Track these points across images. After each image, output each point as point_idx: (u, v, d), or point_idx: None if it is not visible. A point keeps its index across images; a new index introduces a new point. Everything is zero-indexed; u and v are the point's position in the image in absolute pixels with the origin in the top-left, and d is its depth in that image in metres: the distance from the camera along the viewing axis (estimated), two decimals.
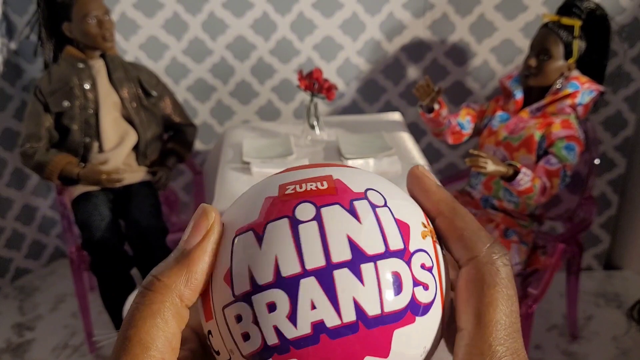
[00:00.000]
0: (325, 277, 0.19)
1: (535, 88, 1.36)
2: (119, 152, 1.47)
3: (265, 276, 0.20)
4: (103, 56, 1.47)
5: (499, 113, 1.41)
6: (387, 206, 0.21)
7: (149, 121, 1.52)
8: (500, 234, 1.35)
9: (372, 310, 0.19)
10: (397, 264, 0.20)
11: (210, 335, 0.22)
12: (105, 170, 1.43)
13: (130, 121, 1.48)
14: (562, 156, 1.27)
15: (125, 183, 1.49)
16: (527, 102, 1.38)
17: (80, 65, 1.43)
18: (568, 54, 1.31)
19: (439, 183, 0.24)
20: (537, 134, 1.31)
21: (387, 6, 1.71)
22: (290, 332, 0.19)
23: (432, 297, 0.21)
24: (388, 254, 0.20)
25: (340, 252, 0.20)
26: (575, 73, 1.34)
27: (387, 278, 0.20)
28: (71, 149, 1.45)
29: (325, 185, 0.22)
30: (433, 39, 1.75)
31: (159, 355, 0.20)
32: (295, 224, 0.20)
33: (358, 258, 0.20)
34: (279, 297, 0.20)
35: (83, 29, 1.39)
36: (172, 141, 1.61)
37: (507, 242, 1.33)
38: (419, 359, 0.21)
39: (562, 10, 1.34)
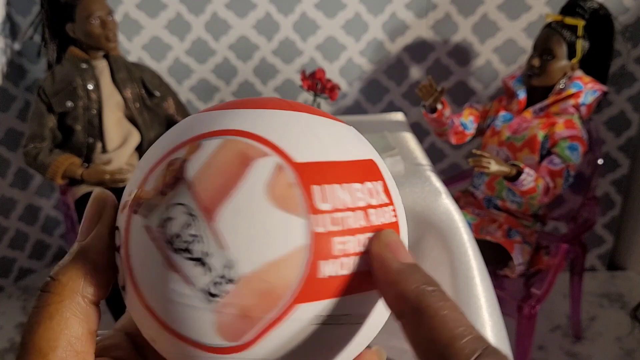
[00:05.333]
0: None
1: (539, 88, 1.36)
2: (122, 152, 1.48)
3: None
4: (106, 57, 1.47)
5: (502, 113, 1.41)
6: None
7: (152, 121, 1.52)
8: (503, 234, 1.34)
9: None
10: None
11: None
12: (108, 171, 1.43)
13: (133, 121, 1.49)
14: (565, 156, 1.26)
15: (128, 183, 1.49)
16: (530, 102, 1.38)
17: (84, 66, 1.44)
18: (571, 54, 1.31)
19: (408, 258, 0.18)
20: (541, 134, 1.31)
21: (390, 6, 1.71)
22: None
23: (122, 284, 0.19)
24: None
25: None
26: (579, 73, 1.33)
27: None
28: (75, 149, 1.45)
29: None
30: (436, 39, 1.74)
31: None
32: None
33: None
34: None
35: (86, 29, 1.39)
36: None
37: (510, 243, 1.33)
38: None
39: (566, 10, 1.34)
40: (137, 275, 0.18)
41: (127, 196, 0.19)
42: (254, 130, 0.18)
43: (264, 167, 0.18)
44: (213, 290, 0.17)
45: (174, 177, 0.18)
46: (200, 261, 0.17)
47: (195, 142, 0.18)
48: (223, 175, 0.18)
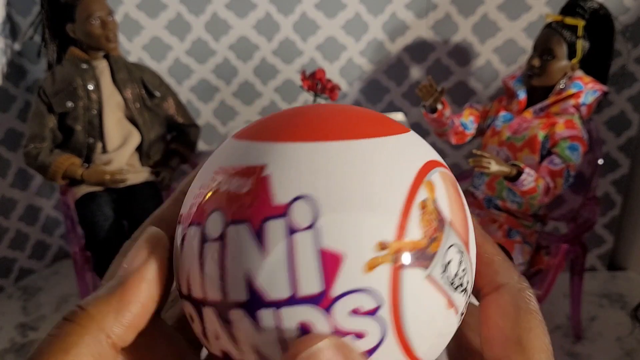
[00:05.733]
0: (222, 313, 0.16)
1: (539, 88, 1.36)
2: (122, 152, 1.48)
3: (182, 286, 0.18)
4: (107, 57, 1.47)
5: (502, 113, 1.41)
6: (313, 228, 0.16)
7: (152, 122, 1.52)
8: (503, 234, 1.34)
9: (274, 359, 0.16)
10: (308, 312, 0.16)
11: None
12: (109, 171, 1.43)
13: (133, 122, 1.49)
14: (565, 156, 1.26)
15: (128, 183, 1.49)
16: (530, 102, 1.38)
17: (84, 66, 1.44)
18: (571, 54, 1.31)
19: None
20: (541, 134, 1.31)
21: (390, 6, 1.71)
22: (208, 346, 0.18)
23: (377, 342, 0.16)
24: (294, 300, 0.16)
25: (236, 291, 0.16)
26: (579, 73, 1.33)
27: (291, 328, 0.16)
28: (75, 150, 1.45)
29: (247, 188, 0.17)
30: (436, 39, 1.74)
31: None
32: (203, 239, 0.17)
33: (255, 301, 0.16)
34: (193, 312, 0.18)
35: (86, 29, 1.39)
36: (176, 142, 1.61)
37: (510, 243, 1.33)
38: None
39: (566, 10, 1.34)
40: (408, 330, 0.17)
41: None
42: (435, 157, 0.20)
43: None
44: (464, 310, 0.19)
45: (438, 220, 0.17)
46: (465, 289, 0.19)
47: (423, 180, 0.18)
48: (458, 205, 0.19)
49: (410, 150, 0.18)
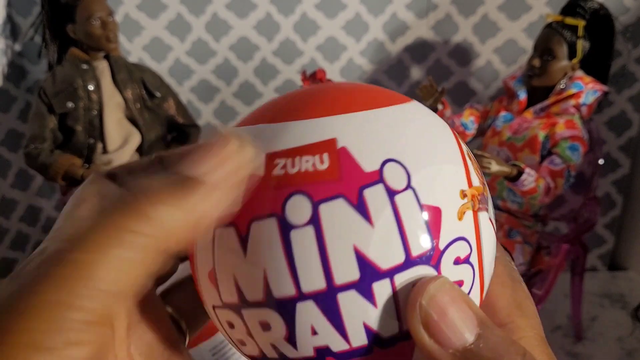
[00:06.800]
0: (327, 302, 0.15)
1: (539, 88, 1.36)
2: (122, 153, 1.48)
3: (253, 293, 0.16)
4: (107, 57, 1.47)
5: (503, 113, 1.41)
6: (410, 188, 0.16)
7: (153, 122, 1.52)
8: (504, 235, 1.34)
9: (388, 331, 0.16)
10: (421, 272, 0.16)
11: None
12: None
13: (134, 122, 1.49)
14: (566, 156, 1.26)
15: None
16: (530, 102, 1.38)
17: (84, 67, 1.44)
18: (572, 54, 1.31)
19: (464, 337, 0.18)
20: (541, 135, 1.31)
21: (390, 7, 1.71)
22: (291, 353, 0.16)
23: (469, 288, 0.17)
24: (410, 263, 0.15)
25: (346, 271, 0.15)
26: (579, 73, 1.33)
27: (405, 294, 0.15)
28: (75, 150, 1.45)
29: (326, 164, 0.16)
30: (436, 39, 1.74)
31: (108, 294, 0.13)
32: (286, 228, 0.15)
33: (368, 276, 0.15)
34: (273, 318, 0.16)
35: (87, 30, 1.39)
36: (176, 142, 1.61)
37: (510, 243, 1.33)
38: None
39: (566, 10, 1.34)
40: (486, 272, 0.18)
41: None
42: None
43: None
44: None
45: (480, 167, 0.19)
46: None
47: (455, 133, 0.19)
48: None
49: (430, 111, 0.19)
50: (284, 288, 0.15)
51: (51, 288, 0.13)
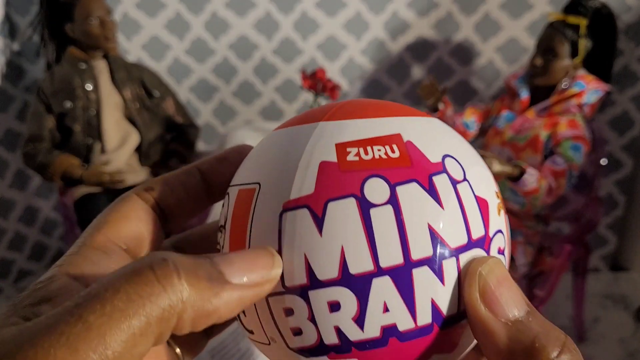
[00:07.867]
0: (402, 277, 0.16)
1: (541, 87, 1.35)
2: (121, 153, 1.47)
3: (327, 271, 0.16)
4: (105, 57, 1.46)
5: (505, 113, 1.40)
6: (466, 180, 0.18)
7: (152, 122, 1.51)
8: None
9: (449, 310, 0.17)
10: (477, 255, 0.17)
11: (242, 312, 0.18)
12: (107, 172, 1.42)
13: (132, 122, 1.48)
14: (568, 156, 1.25)
15: (127, 184, 1.48)
16: (533, 101, 1.37)
17: (83, 66, 1.43)
18: (574, 53, 1.30)
19: (517, 308, 0.16)
20: (543, 134, 1.30)
21: (391, 5, 1.70)
22: (355, 335, 0.16)
23: None
24: (471, 244, 0.17)
25: (422, 247, 0.16)
26: (582, 72, 1.32)
27: (465, 274, 0.17)
28: (74, 150, 1.44)
29: (397, 153, 0.17)
30: (438, 38, 1.73)
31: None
32: (365, 207, 0.16)
33: (440, 253, 0.16)
34: (345, 296, 0.16)
35: (85, 29, 1.38)
36: (175, 142, 1.60)
37: (513, 244, 1.32)
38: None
39: (568, 9, 1.33)
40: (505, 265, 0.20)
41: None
42: None
43: None
44: None
45: None
46: None
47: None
48: None
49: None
50: (362, 264, 0.16)
51: (63, 348, 0.13)
